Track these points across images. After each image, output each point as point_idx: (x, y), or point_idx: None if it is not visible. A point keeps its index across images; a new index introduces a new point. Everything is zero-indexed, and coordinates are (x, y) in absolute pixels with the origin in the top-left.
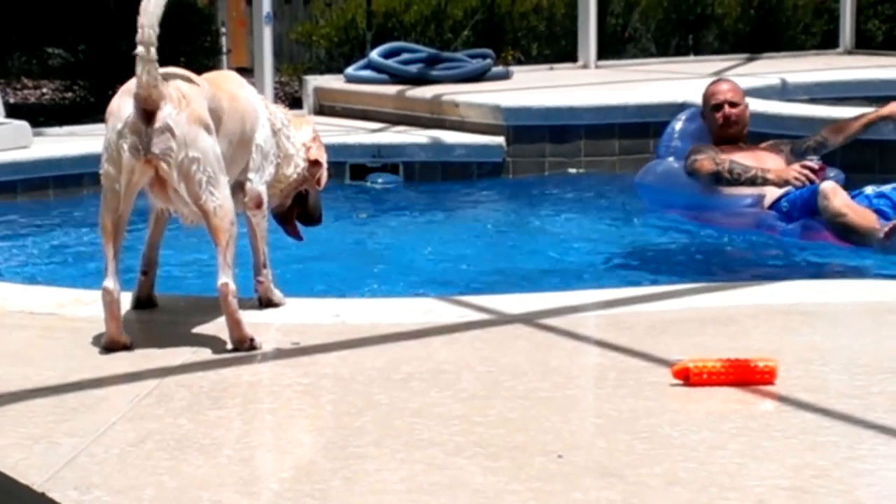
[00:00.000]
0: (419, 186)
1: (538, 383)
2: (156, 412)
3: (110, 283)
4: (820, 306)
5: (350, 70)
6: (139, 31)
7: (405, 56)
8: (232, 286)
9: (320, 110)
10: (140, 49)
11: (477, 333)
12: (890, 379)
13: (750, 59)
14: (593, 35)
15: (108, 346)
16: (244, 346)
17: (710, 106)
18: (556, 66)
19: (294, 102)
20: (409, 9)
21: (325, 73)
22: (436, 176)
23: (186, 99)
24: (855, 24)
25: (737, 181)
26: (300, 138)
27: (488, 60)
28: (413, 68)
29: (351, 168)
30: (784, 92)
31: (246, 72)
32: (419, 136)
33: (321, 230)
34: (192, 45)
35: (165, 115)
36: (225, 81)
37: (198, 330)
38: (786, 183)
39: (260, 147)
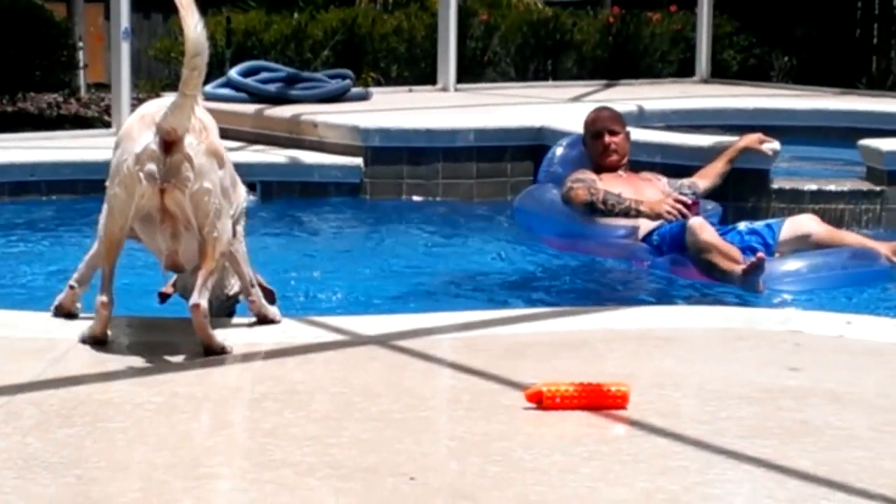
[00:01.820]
0: (276, 206)
1: (391, 405)
2: (3, 430)
3: (105, 296)
4: (673, 332)
5: (208, 88)
6: (191, 73)
7: (264, 75)
8: (204, 306)
9: None
10: (190, 92)
11: (331, 354)
12: (739, 404)
13: (608, 86)
14: (453, 58)
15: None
16: (217, 350)
17: (591, 133)
18: (415, 88)
19: None
20: (268, 28)
21: None
22: (293, 196)
23: (207, 130)
24: (711, 54)
25: (610, 212)
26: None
27: (347, 81)
28: (272, 87)
29: None
30: (641, 119)
31: (103, 87)
32: (277, 155)
33: None
34: (48, 58)
35: (187, 144)
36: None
37: (49, 346)
38: (658, 216)
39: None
